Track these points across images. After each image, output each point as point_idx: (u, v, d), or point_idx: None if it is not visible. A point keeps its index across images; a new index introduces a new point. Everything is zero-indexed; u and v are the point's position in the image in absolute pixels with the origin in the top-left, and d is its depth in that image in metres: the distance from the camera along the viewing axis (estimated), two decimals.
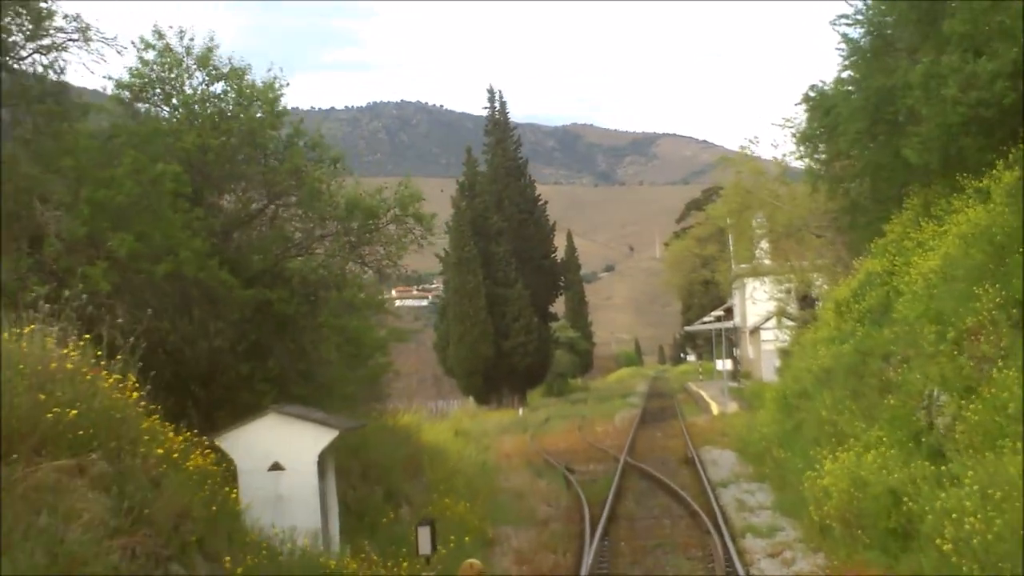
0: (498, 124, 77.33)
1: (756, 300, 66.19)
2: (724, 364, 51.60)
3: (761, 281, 65.91)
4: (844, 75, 28.44)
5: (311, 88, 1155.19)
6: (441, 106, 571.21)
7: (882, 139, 25.87)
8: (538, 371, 77.00)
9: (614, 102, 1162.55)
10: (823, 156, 32.43)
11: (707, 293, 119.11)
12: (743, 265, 74.46)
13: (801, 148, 36.89)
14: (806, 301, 60.84)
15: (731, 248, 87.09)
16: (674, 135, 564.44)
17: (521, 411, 65.31)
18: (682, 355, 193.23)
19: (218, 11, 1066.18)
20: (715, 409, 52.46)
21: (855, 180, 30.73)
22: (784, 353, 56.25)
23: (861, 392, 22.42)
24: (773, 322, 72.97)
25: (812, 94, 29.89)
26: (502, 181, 76.18)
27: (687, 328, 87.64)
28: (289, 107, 20.93)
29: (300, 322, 19.20)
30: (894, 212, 27.56)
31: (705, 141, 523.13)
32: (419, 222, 20.88)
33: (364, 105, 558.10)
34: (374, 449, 21.25)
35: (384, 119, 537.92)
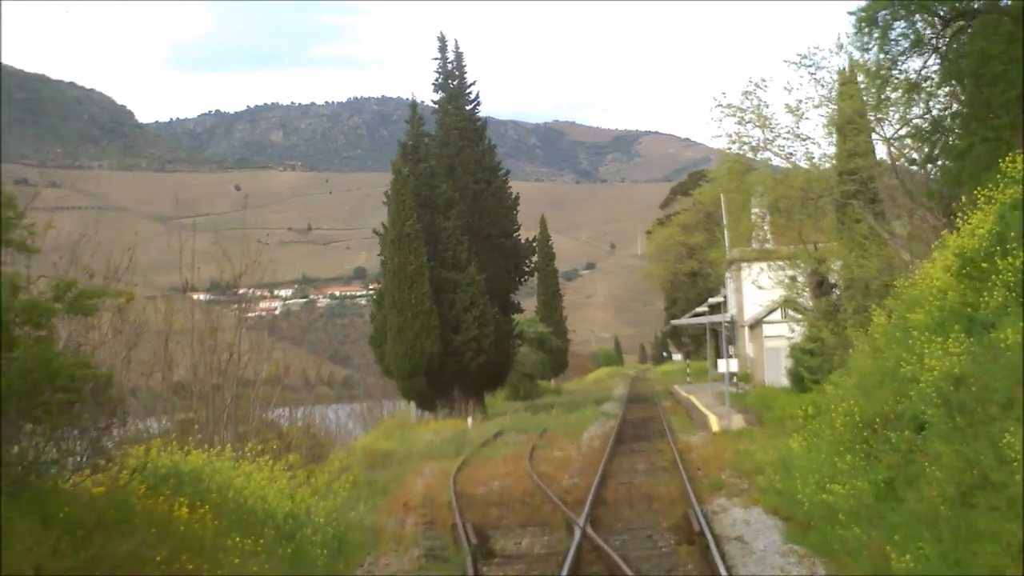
0: (451, 77, 63.54)
1: (762, 286, 53.05)
2: (728, 365, 38.01)
3: (767, 266, 52.64)
4: None
5: (295, 83, 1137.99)
6: (423, 102, 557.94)
7: None
8: (497, 371, 63.33)
9: (597, 100, 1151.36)
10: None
11: (693, 286, 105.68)
12: (741, 248, 61.54)
13: (869, 35, 23.54)
14: (822, 288, 47.83)
15: (725, 228, 73.71)
16: (656, 133, 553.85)
17: (471, 421, 51.69)
18: (664, 354, 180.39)
19: (206, 4, 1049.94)
20: (714, 424, 38.92)
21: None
22: (803, 352, 42.87)
23: None
24: (777, 314, 59.76)
25: None
26: (455, 144, 62.41)
27: (673, 322, 74.18)
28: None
29: None
30: None
31: (688, 139, 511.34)
32: None
33: (345, 101, 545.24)
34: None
35: (365, 115, 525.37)
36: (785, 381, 55.95)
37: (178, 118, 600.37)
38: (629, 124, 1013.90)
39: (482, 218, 61.93)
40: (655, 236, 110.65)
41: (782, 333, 59.41)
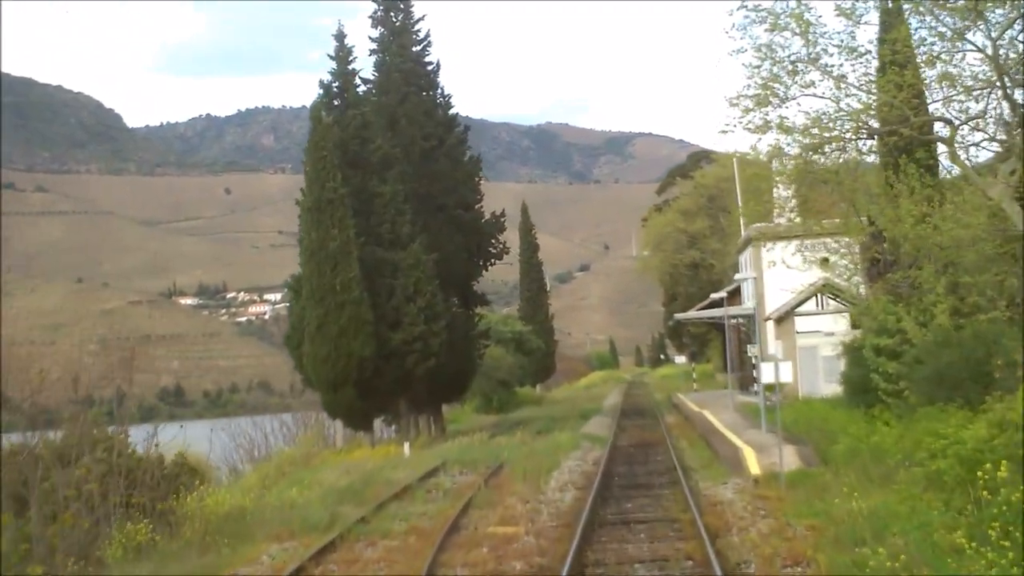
0: (393, 10, 49.03)
1: (791, 267, 39.32)
2: (773, 372, 23.71)
3: (795, 246, 39.34)
4: None
5: (288, 87, 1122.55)
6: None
7: None
8: (456, 378, 48.97)
9: (590, 102, 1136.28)
10: None
11: (695, 279, 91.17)
12: (764, 224, 47.79)
13: None
14: (877, 268, 34.30)
15: (739, 198, 59.19)
16: (650, 135, 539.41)
17: (408, 448, 37.32)
18: (662, 356, 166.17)
19: (199, 7, 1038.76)
20: (752, 461, 24.50)
21: None
22: (876, 351, 28.91)
23: None
24: (811, 304, 45.43)
25: None
26: (398, 91, 47.95)
27: (678, 316, 59.81)
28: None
29: None
30: None
31: (682, 141, 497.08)
32: None
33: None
34: None
35: None
36: (825, 389, 41.79)
37: (168, 122, 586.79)
38: (623, 126, 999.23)
39: (433, 184, 47.50)
40: (652, 224, 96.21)
41: (818, 328, 45.15)
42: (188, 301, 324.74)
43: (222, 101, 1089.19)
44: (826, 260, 38.02)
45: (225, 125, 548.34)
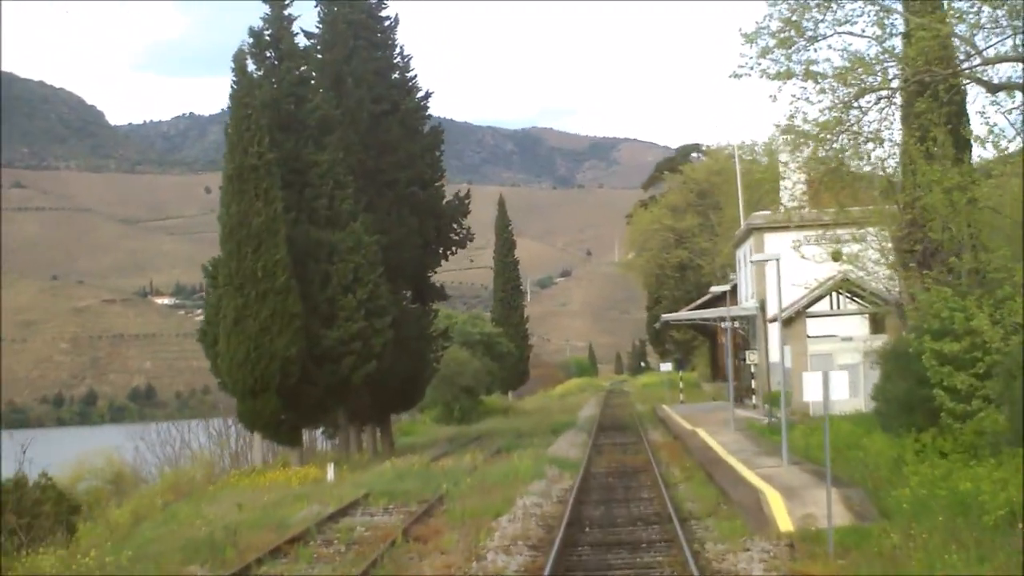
0: None
1: (805, 256, 32.30)
2: (814, 385, 16.77)
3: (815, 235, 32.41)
4: None
5: None
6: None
7: None
8: (407, 385, 41.40)
9: (575, 107, 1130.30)
10: None
11: (682, 281, 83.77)
12: (772, 212, 41.14)
13: None
14: (916, 257, 27.37)
15: (738, 186, 52.12)
16: (635, 140, 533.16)
17: (332, 472, 29.80)
18: (642, 363, 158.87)
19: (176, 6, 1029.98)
20: (778, 510, 17.05)
21: None
22: (939, 359, 21.16)
23: None
24: (823, 306, 38.22)
25: None
26: (343, 43, 40.43)
27: (666, 317, 52.37)
28: None
29: None
30: None
31: (667, 147, 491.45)
32: None
33: None
34: None
35: None
36: (847, 404, 34.54)
37: (151, 120, 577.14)
38: (607, 131, 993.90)
39: (383, 155, 39.98)
40: (637, 221, 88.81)
41: (834, 332, 37.88)
42: (164, 300, 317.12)
43: (206, 100, 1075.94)
44: (838, 253, 31.24)
45: (208, 124, 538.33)
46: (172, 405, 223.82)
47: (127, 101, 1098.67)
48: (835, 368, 35.31)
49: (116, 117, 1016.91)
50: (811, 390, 15.41)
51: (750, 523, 17.01)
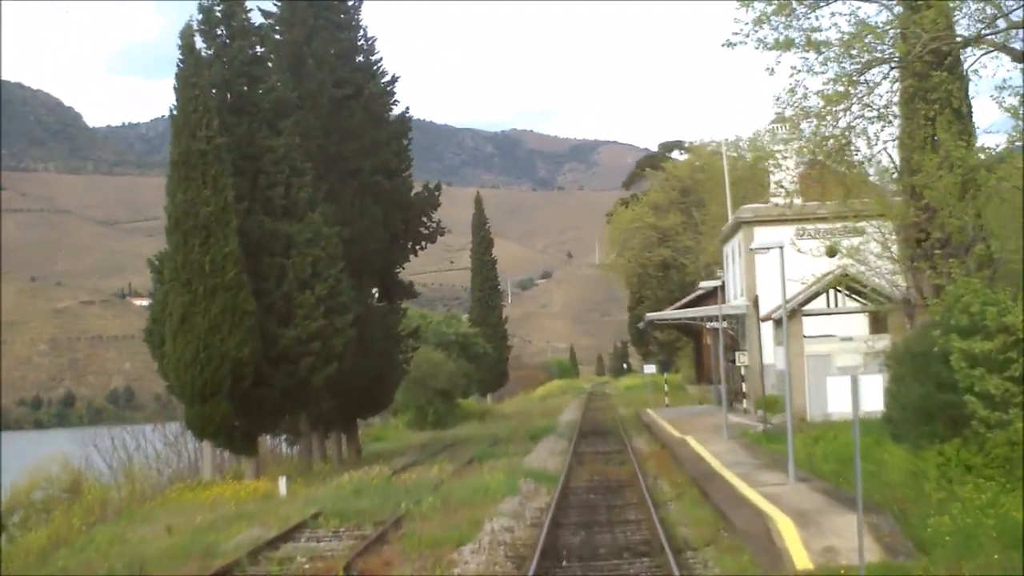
0: None
1: (802, 251, 29.17)
2: (840, 391, 13.72)
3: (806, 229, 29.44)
4: None
5: None
6: None
7: None
8: (374, 388, 38.32)
9: (555, 109, 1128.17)
10: None
11: (665, 281, 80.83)
12: (760, 204, 38.29)
13: None
14: (925, 249, 24.25)
15: (726, 176, 49.29)
16: (615, 143, 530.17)
17: (284, 486, 26.74)
18: (624, 365, 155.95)
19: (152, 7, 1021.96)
20: (792, 543, 14.14)
21: None
22: (968, 360, 17.80)
23: None
24: (819, 303, 35.34)
25: None
26: (303, 23, 37.36)
27: (650, 316, 49.43)
28: None
29: None
30: None
31: (646, 149, 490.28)
32: None
33: None
34: None
35: None
36: (845, 410, 31.55)
37: (130, 122, 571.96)
38: (587, 133, 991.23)
39: (345, 142, 36.88)
40: (618, 219, 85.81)
41: (831, 331, 34.98)
42: (143, 302, 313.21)
43: None
44: (834, 248, 28.45)
45: None
46: (151, 408, 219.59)
47: (105, 103, 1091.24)
48: (834, 371, 32.62)
49: (94, 119, 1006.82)
50: (836, 399, 12.46)
51: (758, 557, 14.06)
